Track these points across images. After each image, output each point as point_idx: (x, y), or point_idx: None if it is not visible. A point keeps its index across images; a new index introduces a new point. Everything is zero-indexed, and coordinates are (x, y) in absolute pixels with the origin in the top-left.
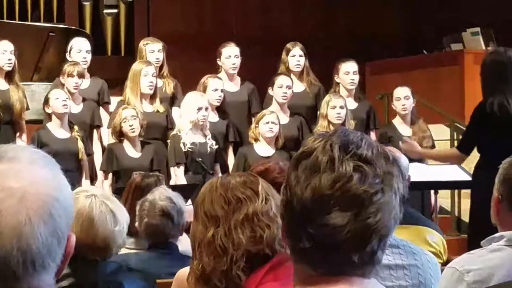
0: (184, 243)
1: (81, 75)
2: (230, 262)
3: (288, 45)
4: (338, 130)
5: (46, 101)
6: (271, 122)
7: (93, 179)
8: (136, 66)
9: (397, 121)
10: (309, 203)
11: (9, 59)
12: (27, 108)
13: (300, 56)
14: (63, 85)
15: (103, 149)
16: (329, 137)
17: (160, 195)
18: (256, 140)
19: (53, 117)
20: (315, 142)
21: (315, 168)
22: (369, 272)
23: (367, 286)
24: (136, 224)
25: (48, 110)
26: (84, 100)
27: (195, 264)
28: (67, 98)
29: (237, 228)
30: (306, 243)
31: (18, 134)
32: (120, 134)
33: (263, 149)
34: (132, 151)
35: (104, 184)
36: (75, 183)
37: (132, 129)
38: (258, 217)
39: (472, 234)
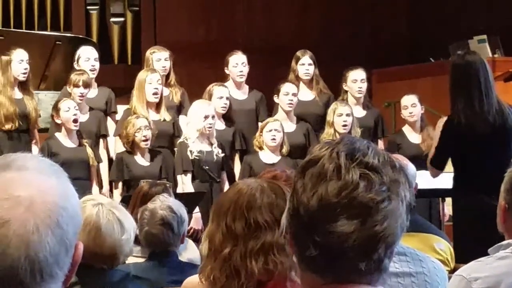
0: (190, 252)
1: (86, 85)
2: (241, 287)
3: (298, 53)
4: (344, 138)
5: (56, 111)
6: (274, 129)
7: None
8: (141, 74)
9: (406, 129)
10: (315, 211)
11: (25, 69)
12: (40, 116)
13: (309, 64)
14: (70, 94)
15: (109, 158)
16: (335, 145)
17: (161, 204)
18: (261, 148)
19: (62, 127)
20: (322, 150)
21: (322, 176)
22: (376, 280)
23: None
24: (137, 231)
25: (58, 121)
26: (90, 109)
27: (208, 269)
28: (77, 110)
29: (251, 256)
30: (313, 250)
31: (34, 141)
32: (132, 143)
33: (268, 156)
34: (141, 160)
35: (115, 194)
36: (86, 191)
37: (145, 139)
38: (273, 250)
39: (456, 242)
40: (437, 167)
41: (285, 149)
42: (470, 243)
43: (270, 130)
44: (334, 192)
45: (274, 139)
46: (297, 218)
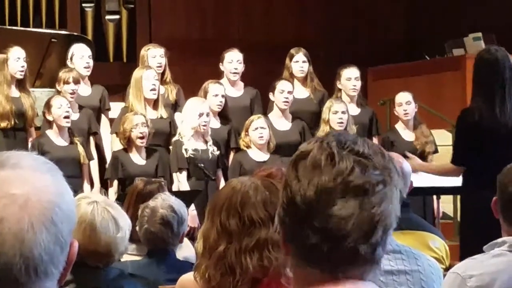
0: (185, 250)
1: (77, 81)
2: (236, 284)
3: (292, 51)
4: (331, 132)
5: (48, 108)
6: (260, 127)
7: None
8: (136, 72)
9: (399, 126)
10: (313, 199)
11: (22, 66)
12: (37, 115)
13: (304, 61)
14: (59, 92)
15: (101, 156)
16: (324, 137)
17: (162, 202)
18: (248, 147)
19: (54, 124)
20: (311, 143)
21: (315, 165)
22: (369, 272)
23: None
24: (137, 228)
25: (49, 118)
26: (80, 107)
27: (203, 268)
28: (69, 108)
29: (246, 253)
30: (312, 238)
31: (30, 139)
32: (128, 140)
33: (257, 154)
34: (137, 158)
35: (110, 192)
36: (77, 189)
37: (141, 136)
38: (268, 247)
39: (463, 240)
40: (457, 163)
41: (272, 145)
42: (478, 241)
43: (256, 128)
44: (330, 177)
45: (261, 137)
46: (294, 209)
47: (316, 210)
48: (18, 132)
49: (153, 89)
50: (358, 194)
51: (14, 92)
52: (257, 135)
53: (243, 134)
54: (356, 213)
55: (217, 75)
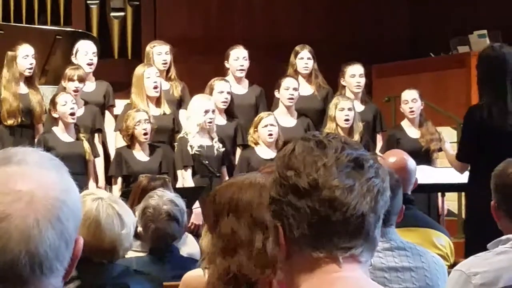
0: (190, 246)
1: (81, 79)
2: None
3: (297, 48)
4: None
5: (53, 105)
6: (269, 124)
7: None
8: (138, 70)
9: (405, 124)
10: (315, 178)
11: (31, 64)
12: (45, 112)
13: (308, 58)
14: (64, 89)
15: (106, 153)
16: (302, 137)
17: (162, 199)
18: (256, 144)
19: (59, 121)
20: (290, 143)
21: (308, 151)
22: (366, 253)
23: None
24: (139, 229)
25: (55, 115)
26: (86, 103)
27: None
28: (74, 104)
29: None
30: (322, 210)
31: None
32: (131, 137)
33: (265, 152)
34: (141, 155)
35: (114, 189)
36: (82, 185)
37: (145, 133)
38: None
39: (468, 238)
40: (462, 160)
41: (280, 143)
42: (483, 238)
43: (266, 126)
44: (326, 156)
45: (271, 134)
46: (297, 193)
47: (321, 185)
48: (25, 129)
49: (155, 87)
50: (354, 167)
51: (23, 89)
52: (266, 132)
53: (251, 130)
54: (357, 184)
55: (221, 72)
